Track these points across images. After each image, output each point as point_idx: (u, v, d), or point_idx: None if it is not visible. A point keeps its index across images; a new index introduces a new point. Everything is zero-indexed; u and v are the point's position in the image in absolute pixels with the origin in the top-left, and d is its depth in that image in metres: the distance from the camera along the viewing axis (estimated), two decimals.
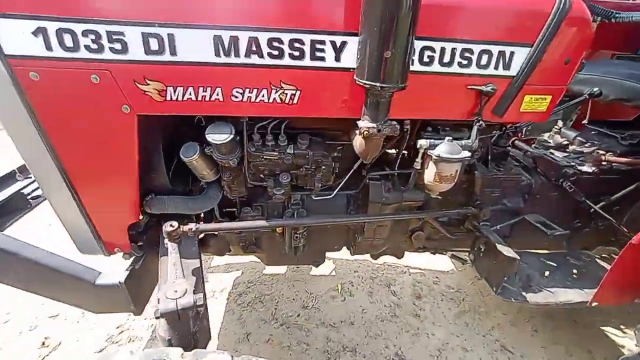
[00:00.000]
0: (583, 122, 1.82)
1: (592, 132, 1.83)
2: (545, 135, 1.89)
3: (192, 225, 1.12)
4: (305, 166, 1.27)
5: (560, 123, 1.83)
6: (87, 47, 0.89)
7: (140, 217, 1.30)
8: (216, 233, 1.48)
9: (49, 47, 0.87)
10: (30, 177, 1.56)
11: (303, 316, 2.11)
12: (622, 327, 2.09)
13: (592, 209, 1.62)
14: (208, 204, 1.34)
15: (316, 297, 2.25)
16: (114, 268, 1.32)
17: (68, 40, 0.87)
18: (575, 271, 1.60)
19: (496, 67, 1.05)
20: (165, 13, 0.88)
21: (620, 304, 1.44)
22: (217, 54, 0.93)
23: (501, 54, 1.03)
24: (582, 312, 2.13)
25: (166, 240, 1.09)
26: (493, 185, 1.56)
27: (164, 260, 1.15)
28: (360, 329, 2.03)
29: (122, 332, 1.96)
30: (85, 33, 0.87)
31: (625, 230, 1.58)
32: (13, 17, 0.84)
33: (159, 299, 0.91)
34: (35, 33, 0.85)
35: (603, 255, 1.79)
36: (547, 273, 1.56)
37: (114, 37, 0.88)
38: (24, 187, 1.48)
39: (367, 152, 1.02)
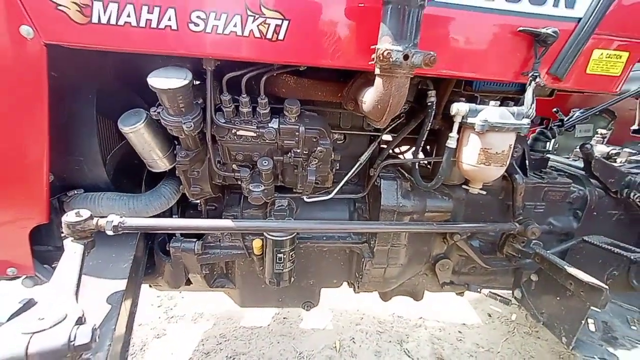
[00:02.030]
0: (632, 127, 1.53)
1: None
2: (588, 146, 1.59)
3: (114, 217, 0.71)
4: (295, 150, 0.91)
5: (602, 131, 1.54)
6: None
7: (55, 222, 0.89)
8: (170, 254, 1.05)
9: None
10: None
11: None
12: None
13: None
14: (158, 204, 0.95)
15: (308, 358, 1.70)
16: None
17: None
18: None
19: (556, 4, 0.78)
20: None
21: None
22: None
23: None
24: None
25: (66, 241, 0.68)
26: (536, 197, 1.21)
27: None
28: None
29: None
30: None
31: None
32: None
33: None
34: None
35: None
36: (633, 321, 1.12)
37: None
38: None
39: (386, 99, 0.67)
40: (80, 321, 0.48)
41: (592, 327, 1.05)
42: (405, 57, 0.60)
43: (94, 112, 0.86)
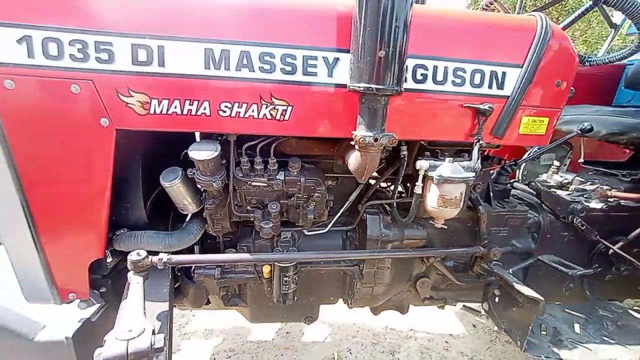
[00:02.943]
0: (579, 160, 1.80)
1: (590, 172, 1.80)
2: (544, 176, 1.85)
3: (164, 256, 0.95)
4: (297, 195, 1.16)
5: (556, 163, 1.81)
6: (71, 56, 0.86)
7: (107, 256, 1.13)
8: (193, 279, 1.28)
9: (30, 55, 0.84)
10: None
11: None
12: None
13: (610, 250, 1.49)
14: (187, 240, 1.19)
15: None
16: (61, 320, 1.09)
17: (53, 48, 0.85)
18: (609, 324, 1.39)
19: (490, 87, 1.05)
20: (157, 25, 0.88)
21: None
22: (207, 67, 0.91)
23: (493, 73, 1.04)
24: None
25: (130, 274, 0.92)
26: (499, 223, 1.45)
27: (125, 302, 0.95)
28: None
29: None
30: (72, 42, 0.85)
31: None
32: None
33: (104, 341, 0.70)
34: (19, 41, 0.83)
35: (635, 307, 1.59)
36: (577, 326, 1.35)
37: (102, 47, 0.86)
38: None
39: (364, 166, 0.93)
40: (154, 332, 0.71)
41: (544, 332, 1.27)
42: (375, 139, 0.85)
43: (139, 170, 1.11)
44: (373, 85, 0.80)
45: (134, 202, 1.13)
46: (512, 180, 1.81)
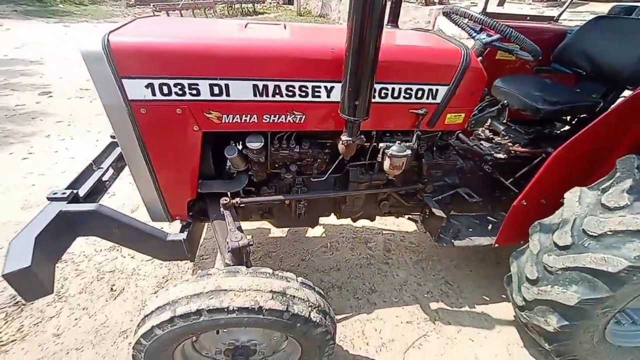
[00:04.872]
0: (502, 120, 2.48)
1: (512, 128, 2.51)
2: (480, 130, 2.56)
3: (238, 199, 1.75)
4: (307, 159, 1.89)
5: (488, 121, 2.50)
6: (176, 93, 1.45)
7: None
8: (243, 205, 2.10)
9: (153, 94, 1.44)
10: (102, 168, 2.12)
11: (302, 266, 2.81)
12: None
13: (505, 184, 2.33)
14: (239, 185, 1.95)
15: (311, 252, 2.95)
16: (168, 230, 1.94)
17: (165, 89, 1.43)
18: (490, 226, 2.34)
19: (427, 98, 1.68)
20: (223, 71, 1.45)
21: (513, 244, 2.16)
22: (255, 95, 1.51)
23: (430, 90, 1.66)
24: (503, 255, 2.92)
25: (221, 209, 1.73)
26: (436, 168, 2.22)
27: (218, 222, 1.79)
28: (344, 272, 2.76)
29: (167, 280, 2.62)
30: (175, 85, 1.43)
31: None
32: (134, 77, 1.39)
33: (227, 242, 1.55)
34: (146, 86, 1.41)
35: None
36: (470, 228, 2.29)
37: (192, 87, 1.45)
38: (102, 175, 2.05)
39: (347, 153, 1.65)
40: (245, 237, 1.56)
41: (450, 231, 2.21)
42: (353, 141, 1.54)
43: (210, 152, 1.79)
44: (352, 118, 1.44)
45: (207, 164, 1.85)
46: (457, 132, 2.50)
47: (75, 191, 1.78)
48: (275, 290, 1.38)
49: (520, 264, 1.92)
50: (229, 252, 1.54)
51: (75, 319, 2.28)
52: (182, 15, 13.94)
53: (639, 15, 2.21)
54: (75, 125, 5.13)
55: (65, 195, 1.71)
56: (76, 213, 1.63)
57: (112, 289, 2.50)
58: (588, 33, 2.31)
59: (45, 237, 1.47)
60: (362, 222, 2.48)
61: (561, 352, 1.86)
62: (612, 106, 1.59)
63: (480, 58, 1.74)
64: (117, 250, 2.86)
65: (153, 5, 13.33)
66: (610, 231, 1.43)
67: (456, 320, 2.42)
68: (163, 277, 2.64)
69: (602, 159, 1.76)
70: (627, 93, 1.73)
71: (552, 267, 1.63)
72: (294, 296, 1.40)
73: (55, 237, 1.55)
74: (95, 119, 5.28)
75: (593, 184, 1.63)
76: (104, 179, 2.07)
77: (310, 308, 1.42)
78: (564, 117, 2.50)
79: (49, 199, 1.69)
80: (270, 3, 20.80)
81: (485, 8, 2.87)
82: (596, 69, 2.21)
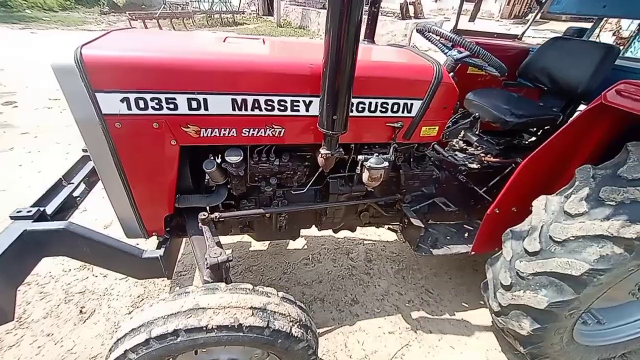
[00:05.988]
0: (475, 132, 2.60)
1: (484, 139, 2.63)
2: (454, 141, 2.67)
3: (217, 214, 1.73)
4: (287, 172, 1.90)
5: (462, 133, 2.61)
6: (152, 107, 1.43)
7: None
8: (222, 219, 2.07)
9: (129, 108, 1.41)
10: (73, 183, 2.03)
11: (283, 279, 2.78)
12: None
13: (479, 193, 2.43)
14: (218, 199, 1.92)
15: (293, 265, 2.93)
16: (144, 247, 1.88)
17: (141, 104, 1.41)
18: (467, 234, 2.41)
19: (403, 112, 1.74)
20: (202, 85, 1.44)
21: (489, 252, 2.24)
22: (234, 109, 1.51)
23: (405, 104, 1.72)
24: (480, 262, 3.02)
25: (200, 225, 1.69)
26: (413, 178, 2.28)
27: (196, 238, 1.75)
28: (326, 285, 2.75)
29: (142, 300, 2.51)
30: (152, 99, 1.41)
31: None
32: (108, 91, 1.36)
33: (206, 258, 1.51)
34: (121, 100, 1.38)
35: None
36: (448, 237, 2.36)
37: (169, 101, 1.43)
38: (73, 190, 1.96)
39: (326, 166, 1.67)
40: (224, 252, 1.53)
41: (428, 241, 2.27)
42: (332, 154, 1.57)
43: (187, 165, 1.76)
44: (330, 132, 1.47)
45: (185, 179, 1.82)
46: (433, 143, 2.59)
47: (42, 209, 1.69)
48: (256, 306, 1.35)
49: (495, 271, 1.98)
50: (207, 268, 1.50)
51: (39, 347, 2.12)
52: (159, 25, 13.76)
53: (589, 37, 2.41)
54: (42, 138, 4.89)
55: (30, 214, 1.62)
56: (42, 232, 1.55)
57: (81, 311, 2.36)
58: (547, 52, 2.49)
59: (6, 261, 1.38)
60: (344, 233, 2.50)
61: (535, 355, 1.93)
62: (570, 120, 1.71)
63: (452, 74, 1.83)
64: (88, 269, 2.72)
65: (129, 14, 13.07)
66: (573, 237, 1.52)
67: (437, 328, 2.46)
68: (138, 296, 2.53)
69: (565, 168, 1.88)
70: (582, 107, 1.87)
71: (523, 273, 1.70)
72: (274, 312, 1.38)
73: (18, 259, 1.46)
74: (66, 131, 5.06)
75: (557, 192, 1.73)
76: (74, 194, 1.99)
77: (291, 323, 1.40)
78: (530, 129, 2.65)
79: (12, 217, 1.60)
80: (250, 14, 20.94)
81: (456, 25, 3.04)
82: (555, 85, 2.38)
